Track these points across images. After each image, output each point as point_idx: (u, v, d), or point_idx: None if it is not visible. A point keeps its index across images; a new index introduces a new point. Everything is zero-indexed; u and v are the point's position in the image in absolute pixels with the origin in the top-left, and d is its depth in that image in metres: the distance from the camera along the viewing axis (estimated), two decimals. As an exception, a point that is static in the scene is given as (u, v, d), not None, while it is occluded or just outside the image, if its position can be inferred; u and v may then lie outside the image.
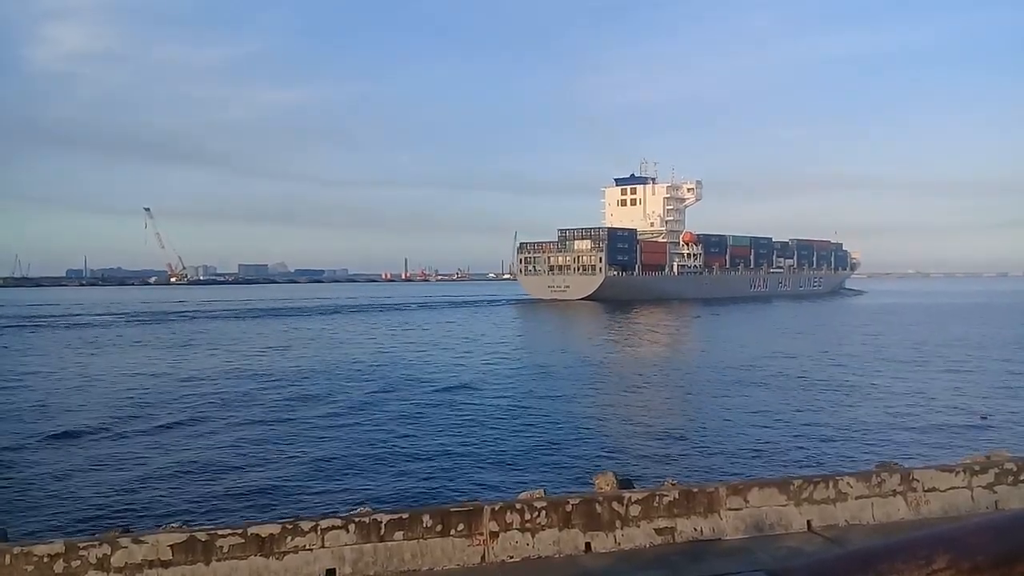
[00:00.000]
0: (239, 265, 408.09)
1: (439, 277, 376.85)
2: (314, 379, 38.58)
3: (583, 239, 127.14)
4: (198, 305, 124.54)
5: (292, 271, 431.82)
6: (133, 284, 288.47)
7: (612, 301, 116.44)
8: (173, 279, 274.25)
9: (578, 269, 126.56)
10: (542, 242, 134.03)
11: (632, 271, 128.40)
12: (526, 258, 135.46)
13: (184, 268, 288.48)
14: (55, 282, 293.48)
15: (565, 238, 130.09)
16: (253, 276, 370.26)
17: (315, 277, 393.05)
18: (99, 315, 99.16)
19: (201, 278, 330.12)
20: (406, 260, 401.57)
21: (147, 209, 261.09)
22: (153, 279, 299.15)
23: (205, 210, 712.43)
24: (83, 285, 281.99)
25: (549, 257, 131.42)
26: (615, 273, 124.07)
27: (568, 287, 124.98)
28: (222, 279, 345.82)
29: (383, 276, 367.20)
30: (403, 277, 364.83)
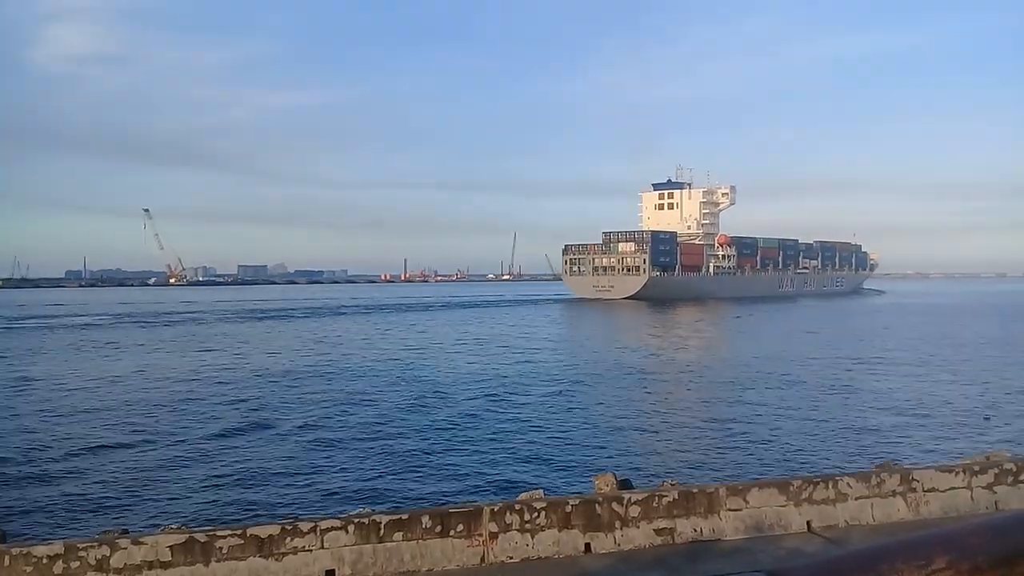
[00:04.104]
0: (238, 266, 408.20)
1: (439, 278, 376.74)
2: (316, 380, 38.57)
3: (627, 241, 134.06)
4: (200, 305, 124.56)
5: (291, 272, 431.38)
6: (132, 285, 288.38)
7: (654, 300, 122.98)
8: (172, 280, 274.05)
9: (622, 270, 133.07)
10: (586, 244, 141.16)
11: (673, 272, 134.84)
12: (571, 259, 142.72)
13: (183, 269, 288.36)
14: (54, 283, 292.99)
15: (609, 240, 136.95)
16: (252, 277, 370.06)
17: (314, 278, 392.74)
18: (99, 316, 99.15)
19: (200, 279, 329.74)
20: (406, 261, 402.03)
21: (146, 210, 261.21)
22: (152, 280, 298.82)
23: (204, 211, 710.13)
24: (82, 286, 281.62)
25: (594, 258, 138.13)
26: (658, 274, 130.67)
27: (612, 287, 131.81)
28: (221, 280, 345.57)
29: (382, 277, 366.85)
30: (403, 278, 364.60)
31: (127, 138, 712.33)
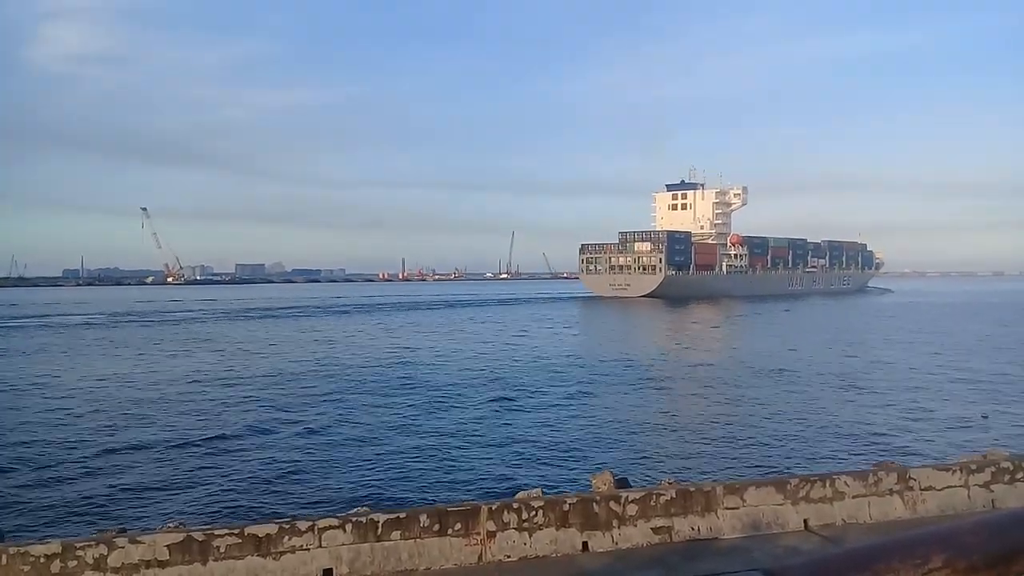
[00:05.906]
0: (236, 265, 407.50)
1: (436, 277, 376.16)
2: (313, 379, 38.53)
3: (643, 241, 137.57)
4: (196, 304, 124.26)
5: (289, 271, 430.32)
6: (130, 284, 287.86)
7: (670, 298, 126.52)
8: (170, 279, 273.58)
9: (638, 269, 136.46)
10: (603, 243, 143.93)
11: (687, 271, 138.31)
12: (587, 258, 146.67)
13: (181, 268, 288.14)
14: (51, 282, 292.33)
15: (626, 240, 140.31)
16: (250, 276, 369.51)
17: (312, 277, 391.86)
18: (95, 315, 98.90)
19: (198, 278, 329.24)
20: (403, 260, 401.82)
21: (144, 209, 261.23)
22: (150, 279, 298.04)
23: (203, 210, 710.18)
24: (80, 285, 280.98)
25: (610, 258, 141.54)
26: (673, 273, 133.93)
27: (629, 285, 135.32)
28: (219, 279, 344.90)
29: (380, 276, 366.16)
30: (400, 277, 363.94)
31: (126, 137, 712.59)
